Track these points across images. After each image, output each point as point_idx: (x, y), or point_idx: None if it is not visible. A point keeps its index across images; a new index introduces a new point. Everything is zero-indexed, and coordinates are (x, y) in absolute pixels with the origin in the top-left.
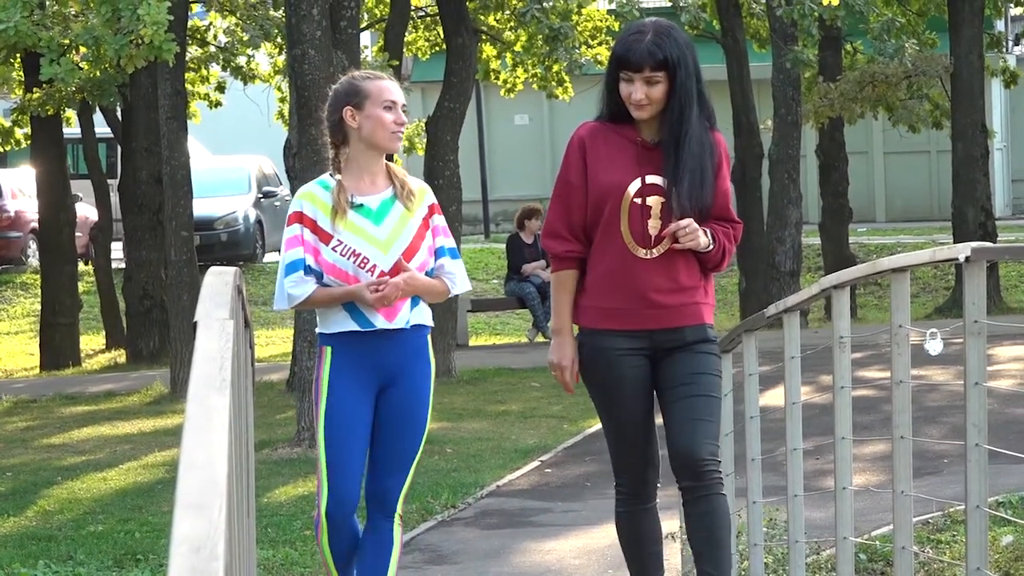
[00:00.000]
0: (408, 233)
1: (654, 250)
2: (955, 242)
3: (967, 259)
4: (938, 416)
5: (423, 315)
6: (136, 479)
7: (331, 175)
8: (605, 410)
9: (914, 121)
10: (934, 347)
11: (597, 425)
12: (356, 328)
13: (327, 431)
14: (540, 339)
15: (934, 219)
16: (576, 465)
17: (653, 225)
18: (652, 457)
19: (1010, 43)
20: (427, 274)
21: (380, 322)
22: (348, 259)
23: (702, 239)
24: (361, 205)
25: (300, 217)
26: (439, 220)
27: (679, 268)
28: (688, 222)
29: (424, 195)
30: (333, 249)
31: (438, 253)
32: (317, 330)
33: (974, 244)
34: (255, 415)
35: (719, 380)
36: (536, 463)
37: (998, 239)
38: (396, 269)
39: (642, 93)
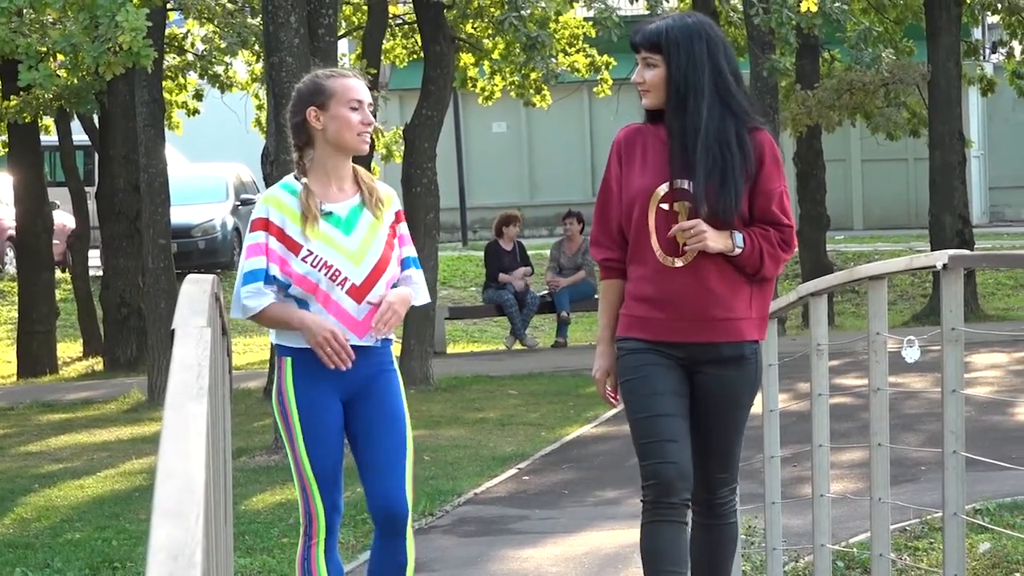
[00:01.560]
0: (379, 244)
1: (682, 258)
2: (932, 250)
3: (944, 266)
4: (916, 423)
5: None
6: (113, 487)
7: (296, 179)
8: (635, 404)
9: (892, 129)
10: (911, 354)
11: (575, 432)
12: None
13: (308, 442)
14: (518, 347)
15: (912, 227)
16: (554, 473)
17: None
18: (683, 464)
19: (987, 51)
20: (394, 285)
21: (350, 338)
22: (320, 270)
23: (714, 242)
24: (330, 213)
25: (266, 224)
26: (404, 228)
27: (712, 277)
28: (692, 223)
29: (391, 202)
30: (303, 259)
31: (404, 264)
32: (273, 340)
33: (951, 252)
34: (233, 423)
35: (748, 404)
36: (514, 470)
37: (975, 247)
38: (368, 283)
39: (640, 76)
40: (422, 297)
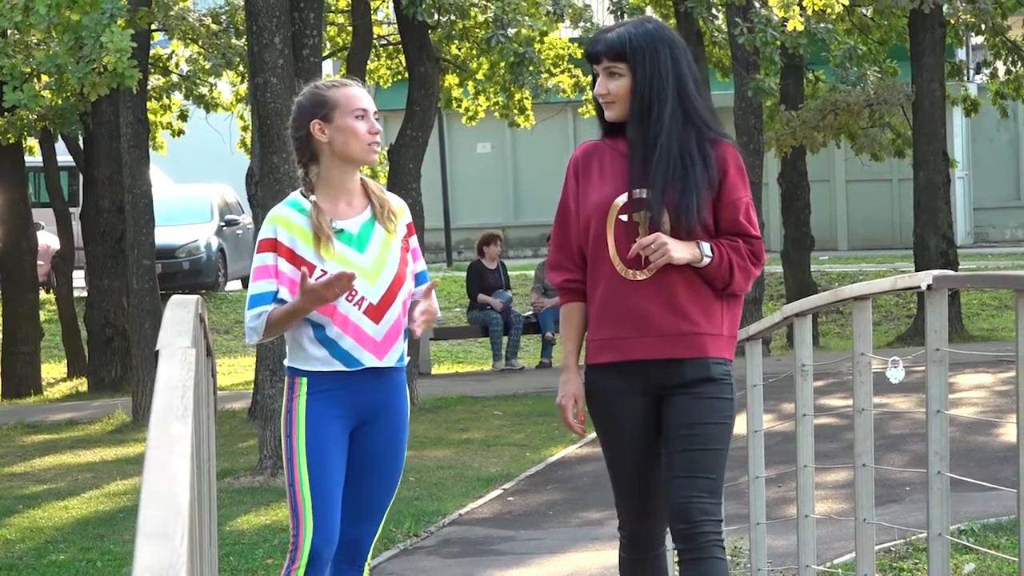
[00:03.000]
0: (393, 259)
1: (645, 271)
2: (917, 270)
3: (929, 287)
4: (900, 444)
5: (406, 350)
6: (98, 508)
7: (303, 195)
8: (606, 451)
9: (876, 149)
10: (896, 375)
11: (560, 453)
12: (341, 368)
13: (311, 463)
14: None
15: (896, 247)
16: (539, 493)
17: None
18: (654, 506)
19: (971, 72)
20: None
21: (369, 360)
22: None
23: (679, 253)
24: (342, 230)
25: (274, 245)
26: (415, 241)
27: (678, 290)
28: (652, 237)
29: (403, 214)
30: (317, 280)
31: (419, 279)
32: (287, 363)
33: (936, 272)
34: (217, 443)
35: (726, 427)
36: (499, 491)
37: (960, 267)
38: (386, 302)
39: (603, 87)
40: (437, 310)
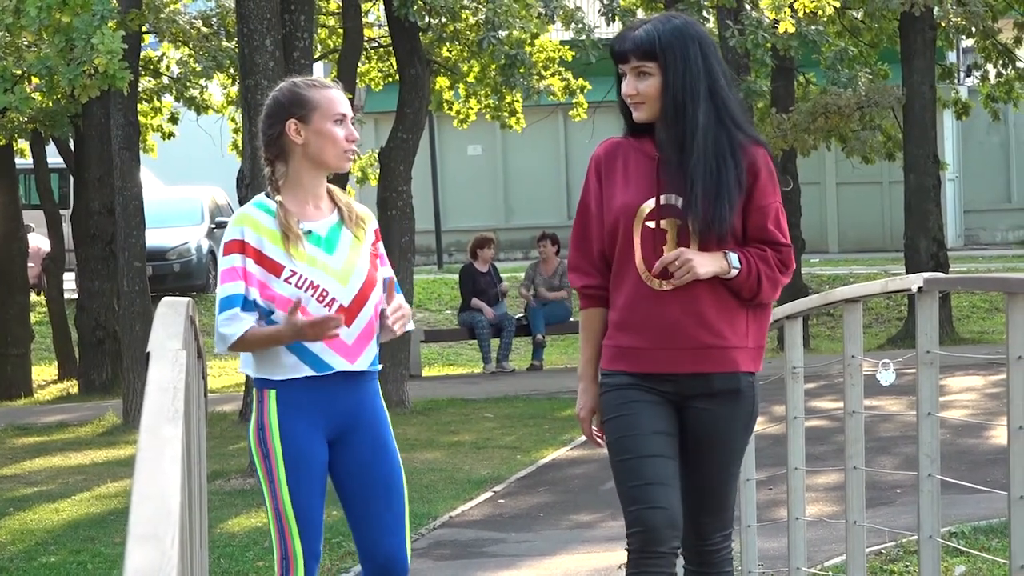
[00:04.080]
0: (363, 262)
1: (673, 280)
2: (908, 273)
3: (920, 290)
4: (891, 446)
5: (378, 354)
6: (89, 510)
7: (268, 196)
8: (618, 445)
9: (867, 152)
10: (886, 377)
11: (551, 455)
12: (311, 373)
13: (291, 480)
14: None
15: (887, 250)
16: (530, 496)
17: (669, 251)
18: (672, 509)
19: (962, 74)
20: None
21: (339, 363)
22: (305, 291)
23: (705, 267)
24: (310, 232)
25: (242, 246)
26: (381, 248)
27: (704, 301)
28: (676, 254)
29: (369, 221)
30: (286, 280)
31: (384, 284)
32: (253, 374)
33: (927, 275)
34: (208, 445)
35: (745, 440)
36: (489, 493)
37: (950, 270)
38: (357, 304)
39: (632, 87)
40: (409, 324)
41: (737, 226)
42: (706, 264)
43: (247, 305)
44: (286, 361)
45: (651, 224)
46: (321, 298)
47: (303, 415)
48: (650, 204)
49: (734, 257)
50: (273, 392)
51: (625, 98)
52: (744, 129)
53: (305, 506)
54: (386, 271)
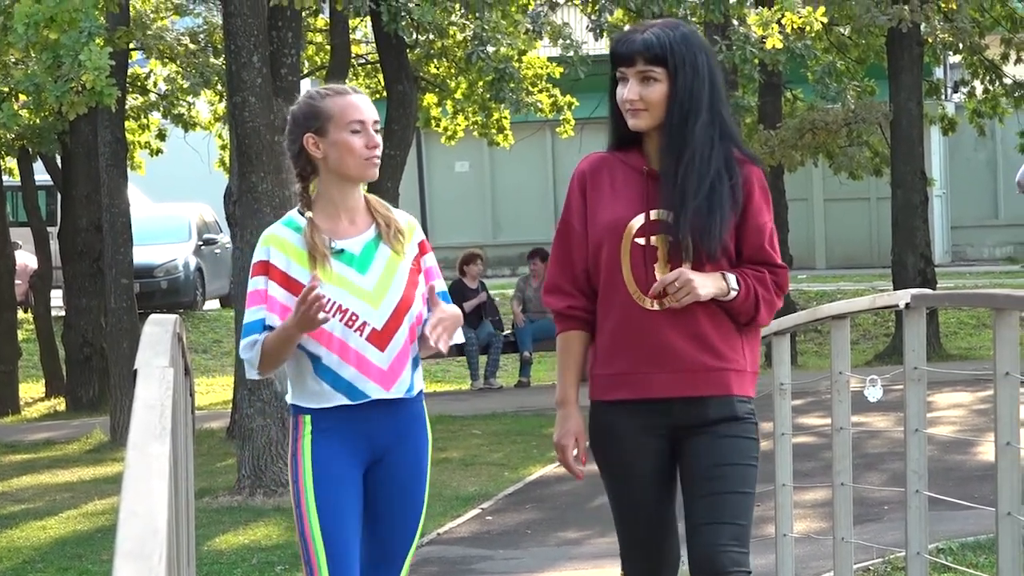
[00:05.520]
0: (399, 281)
1: (670, 302)
2: (895, 289)
3: (907, 306)
4: (878, 463)
5: (421, 378)
6: (76, 527)
7: (300, 212)
8: (612, 495)
9: (854, 168)
10: (874, 394)
11: (538, 472)
12: (345, 402)
13: (321, 509)
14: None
15: (874, 266)
16: (517, 512)
17: (660, 269)
18: (667, 555)
19: (949, 90)
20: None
21: (375, 392)
22: (333, 315)
23: (705, 289)
24: (342, 251)
25: (266, 268)
26: (431, 260)
27: (700, 321)
28: (676, 274)
29: (413, 232)
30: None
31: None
32: (289, 400)
33: (914, 291)
34: (195, 463)
35: (752, 470)
36: (477, 511)
37: (937, 286)
38: (391, 327)
39: (635, 92)
40: (459, 335)
41: (729, 246)
42: (707, 285)
43: (269, 330)
44: (319, 390)
45: (641, 241)
46: (351, 322)
47: (337, 445)
48: (639, 220)
49: (732, 278)
50: (308, 418)
51: (624, 103)
52: (739, 145)
53: (335, 537)
54: (438, 284)
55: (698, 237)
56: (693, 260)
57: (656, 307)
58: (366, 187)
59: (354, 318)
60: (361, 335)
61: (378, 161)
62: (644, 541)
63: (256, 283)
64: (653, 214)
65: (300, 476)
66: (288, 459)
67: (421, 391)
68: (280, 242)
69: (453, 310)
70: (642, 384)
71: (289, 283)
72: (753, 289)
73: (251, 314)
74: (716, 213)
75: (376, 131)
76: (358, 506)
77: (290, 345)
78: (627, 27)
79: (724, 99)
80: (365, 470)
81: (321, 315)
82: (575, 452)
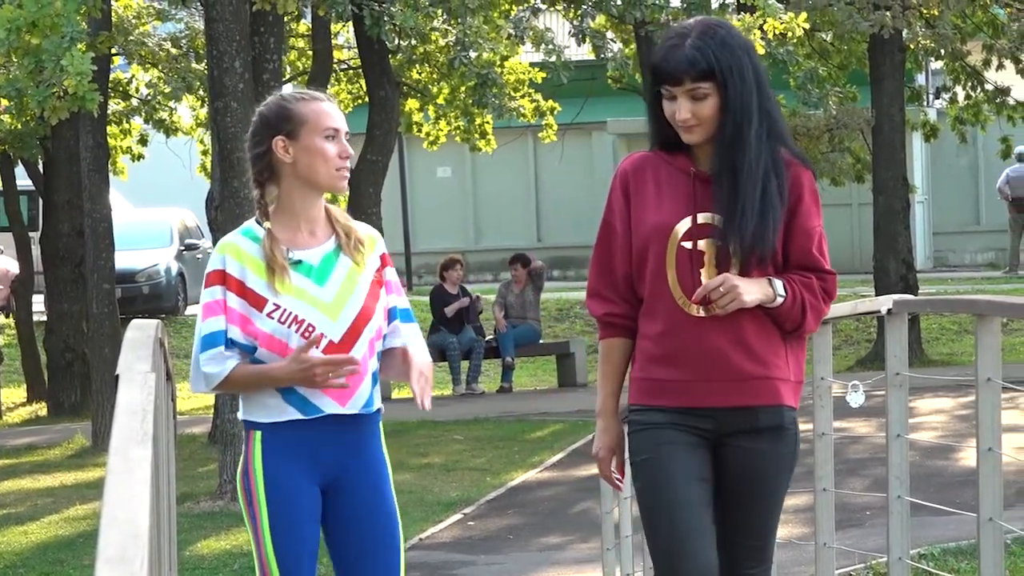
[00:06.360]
0: (359, 293)
1: (715, 309)
2: (877, 295)
3: (889, 311)
4: (860, 468)
5: (379, 395)
6: (58, 533)
7: (257, 222)
8: (650, 492)
9: (836, 174)
10: (856, 399)
11: (520, 478)
12: (298, 416)
13: (275, 530)
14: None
15: (856, 272)
16: (499, 518)
17: (707, 274)
18: (707, 562)
19: (931, 97)
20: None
21: (329, 406)
22: (289, 327)
23: (751, 295)
24: (299, 261)
25: (223, 277)
26: (392, 274)
27: (746, 328)
28: (721, 279)
29: (375, 244)
30: (268, 315)
31: (391, 314)
32: (240, 415)
33: (896, 297)
34: (177, 468)
35: (785, 486)
36: (459, 516)
37: (919, 292)
38: (349, 340)
39: (687, 111)
40: (421, 355)
41: (779, 249)
42: (752, 291)
43: (229, 343)
44: (271, 402)
45: (687, 245)
46: (307, 334)
47: (290, 461)
48: (686, 223)
49: (779, 284)
50: (259, 434)
51: (679, 123)
52: (789, 145)
53: (290, 558)
54: (397, 301)
55: (752, 241)
56: (742, 264)
57: (703, 313)
58: (347, 195)
59: (311, 329)
60: (318, 347)
61: (347, 174)
62: (683, 544)
63: (213, 292)
64: (700, 218)
65: (254, 496)
66: (239, 476)
67: (380, 409)
68: (236, 251)
69: (425, 359)
70: (687, 392)
71: (245, 292)
72: (800, 295)
73: (211, 324)
74: (769, 216)
75: (347, 140)
76: (313, 524)
77: (269, 386)
78: (608, 32)
79: (771, 96)
80: (323, 488)
81: (339, 380)
82: (614, 465)
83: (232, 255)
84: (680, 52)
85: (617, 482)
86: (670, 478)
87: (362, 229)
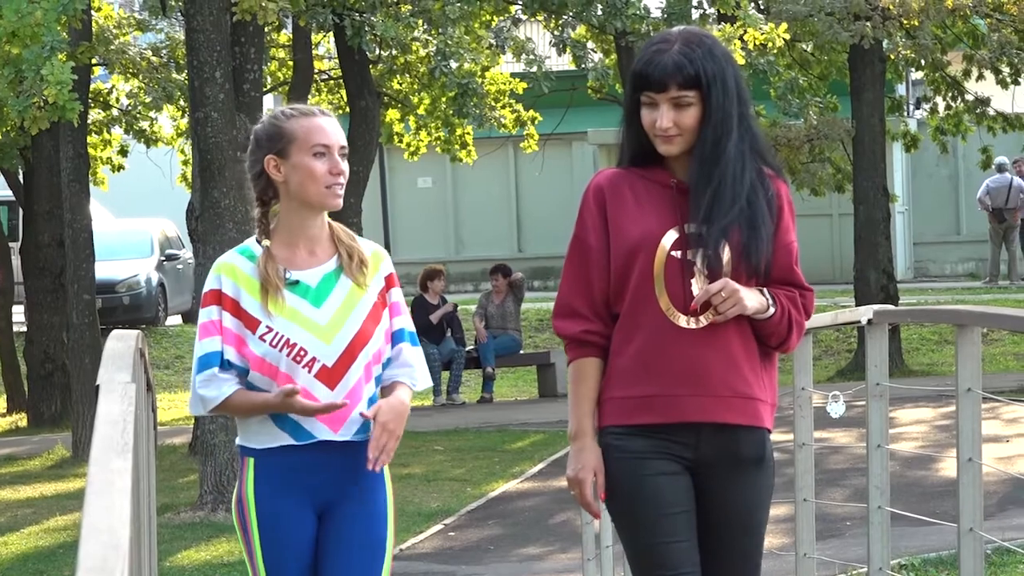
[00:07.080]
0: (357, 315)
1: (701, 318)
2: (857, 305)
3: (869, 322)
4: (841, 479)
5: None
6: (38, 543)
7: (257, 241)
8: (638, 526)
9: (816, 184)
10: (836, 409)
11: (501, 488)
12: (290, 442)
13: (269, 558)
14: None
15: (836, 282)
16: (479, 528)
17: (699, 285)
18: None
19: (911, 107)
20: (384, 365)
21: (322, 432)
22: (280, 350)
23: (750, 302)
24: (297, 282)
25: (218, 297)
26: (397, 295)
27: (733, 343)
28: (722, 284)
29: (379, 263)
30: (261, 338)
31: (396, 337)
32: (237, 441)
33: (876, 307)
34: (157, 478)
35: (766, 515)
36: (440, 526)
37: (900, 302)
38: (343, 365)
39: (669, 120)
40: (422, 381)
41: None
42: (751, 299)
43: (224, 365)
44: (262, 428)
45: (677, 254)
46: (299, 357)
47: (282, 487)
48: (672, 234)
49: (769, 295)
50: (251, 460)
51: (657, 131)
52: (768, 160)
53: None
54: (399, 322)
55: (742, 253)
56: (731, 276)
57: (692, 324)
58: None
59: (302, 353)
60: (310, 371)
61: (341, 190)
62: (670, 568)
63: (209, 313)
64: (687, 227)
65: (247, 522)
66: (233, 502)
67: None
68: (232, 270)
69: (396, 402)
70: (671, 407)
71: (240, 313)
72: (787, 310)
73: (206, 345)
74: (761, 228)
75: (342, 156)
76: (308, 552)
77: (265, 412)
78: (589, 43)
79: (751, 110)
80: (318, 513)
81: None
82: (594, 487)
83: (227, 275)
84: (667, 57)
85: (596, 508)
86: (658, 514)
87: (367, 248)
